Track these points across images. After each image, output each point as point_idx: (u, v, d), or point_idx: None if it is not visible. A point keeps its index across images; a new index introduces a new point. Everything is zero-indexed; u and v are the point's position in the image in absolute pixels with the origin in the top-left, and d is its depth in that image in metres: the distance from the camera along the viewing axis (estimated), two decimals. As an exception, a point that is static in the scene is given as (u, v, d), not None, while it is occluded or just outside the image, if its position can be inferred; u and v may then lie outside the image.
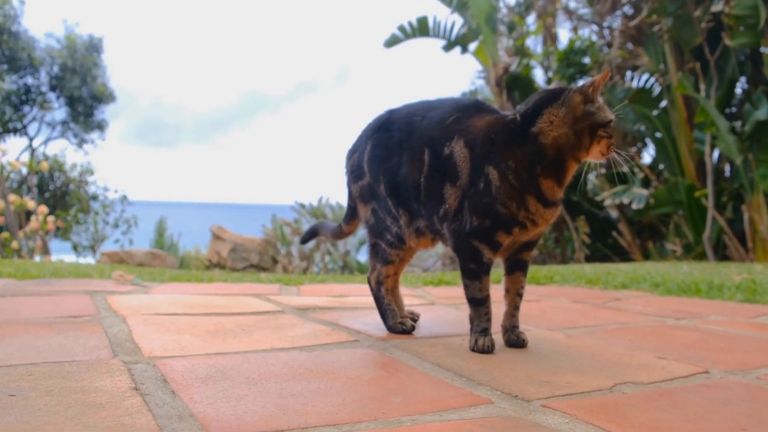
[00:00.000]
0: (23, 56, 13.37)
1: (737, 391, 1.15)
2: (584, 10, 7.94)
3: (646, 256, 6.97)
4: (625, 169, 6.32)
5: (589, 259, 7.27)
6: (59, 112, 14.43)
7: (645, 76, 7.13)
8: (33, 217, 7.16)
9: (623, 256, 7.27)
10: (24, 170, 10.48)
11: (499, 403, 1.03)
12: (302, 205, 8.63)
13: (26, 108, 14.10)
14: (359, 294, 2.27)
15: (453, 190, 1.37)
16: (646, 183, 6.90)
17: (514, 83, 7.96)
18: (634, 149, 7.36)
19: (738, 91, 6.70)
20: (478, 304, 1.39)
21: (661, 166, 7.17)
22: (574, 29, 8.08)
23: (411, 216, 1.49)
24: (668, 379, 1.21)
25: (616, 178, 6.88)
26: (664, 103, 6.84)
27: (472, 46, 8.53)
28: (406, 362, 1.28)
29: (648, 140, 7.28)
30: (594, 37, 7.73)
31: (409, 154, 1.46)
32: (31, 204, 7.25)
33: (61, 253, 10.45)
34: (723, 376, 1.24)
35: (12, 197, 7.04)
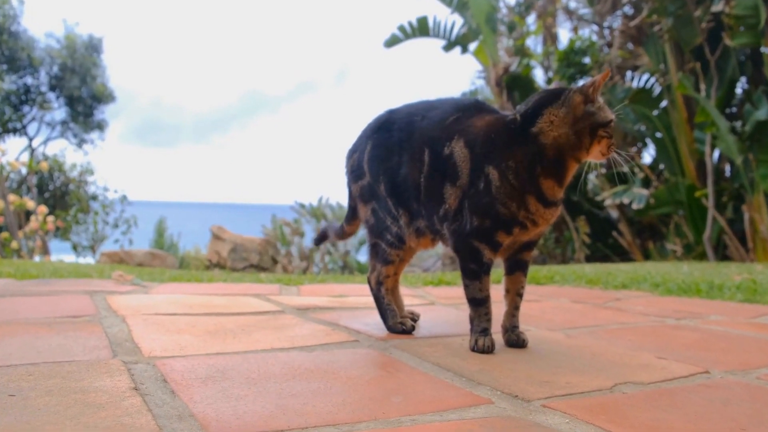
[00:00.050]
0: (23, 56, 13.37)
1: (737, 391, 1.15)
2: (584, 10, 7.94)
3: (647, 256, 6.97)
4: (626, 169, 6.32)
5: (589, 259, 7.27)
6: (59, 112, 14.45)
7: (645, 76, 7.13)
8: (32, 217, 7.16)
9: (623, 256, 7.27)
10: (23, 170, 10.48)
11: (499, 403, 1.03)
12: (302, 205, 8.63)
13: (26, 108, 14.10)
14: (359, 294, 2.27)
15: (453, 190, 1.37)
16: (646, 183, 6.90)
17: (514, 83, 7.96)
18: (634, 149, 7.36)
19: (738, 91, 6.70)
20: (479, 304, 1.39)
21: (662, 166, 7.17)
22: (575, 29, 8.08)
23: (411, 216, 1.49)
24: (668, 379, 1.20)
25: (616, 178, 6.88)
26: (664, 103, 6.84)
27: (472, 46, 8.53)
28: (406, 362, 1.28)
29: (648, 140, 7.28)
30: (594, 37, 7.73)
31: (409, 154, 1.45)
32: (30, 204, 7.25)
33: (61, 253, 10.44)
34: (723, 376, 1.24)
35: (12, 197, 7.04)
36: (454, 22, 8.50)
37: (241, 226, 9.01)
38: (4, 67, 13.35)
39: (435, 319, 1.80)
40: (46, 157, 12.83)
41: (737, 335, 1.68)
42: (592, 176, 6.99)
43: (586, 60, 7.23)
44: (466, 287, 1.39)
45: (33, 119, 14.30)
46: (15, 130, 13.99)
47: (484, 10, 7.92)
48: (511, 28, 8.37)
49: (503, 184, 1.31)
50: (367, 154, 1.54)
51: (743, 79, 6.62)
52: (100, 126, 14.72)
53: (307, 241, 8.15)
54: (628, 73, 7.38)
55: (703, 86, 6.21)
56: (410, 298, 2.20)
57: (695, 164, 6.53)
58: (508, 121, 1.36)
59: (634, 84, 7.26)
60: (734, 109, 6.81)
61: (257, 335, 1.48)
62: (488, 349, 1.36)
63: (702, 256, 6.17)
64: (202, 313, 1.76)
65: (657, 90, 6.88)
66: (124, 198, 12.39)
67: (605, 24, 7.67)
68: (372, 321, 1.69)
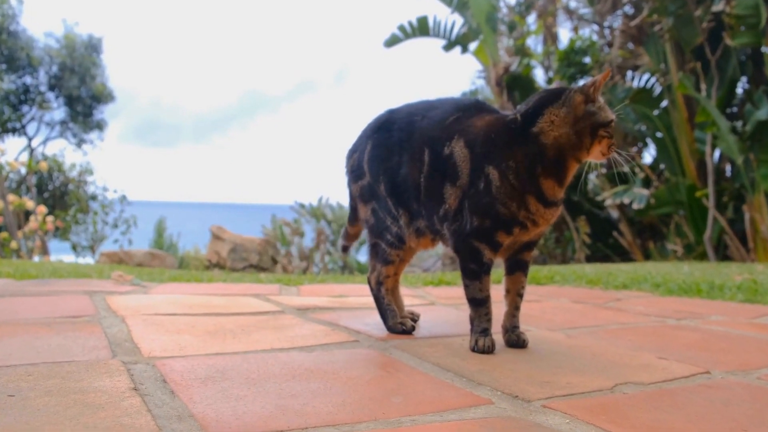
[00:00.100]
0: (22, 56, 13.36)
1: (738, 391, 1.14)
2: (585, 10, 7.94)
3: (647, 256, 6.97)
4: (626, 169, 6.31)
5: (589, 259, 7.27)
6: (58, 111, 14.43)
7: (646, 76, 7.13)
8: (32, 217, 7.16)
9: (624, 256, 7.26)
10: (23, 170, 10.47)
11: (499, 403, 1.03)
12: (302, 205, 8.63)
13: (25, 108, 14.09)
14: (359, 294, 2.27)
15: (453, 190, 1.37)
16: (646, 183, 6.90)
17: (515, 83, 7.95)
18: (634, 149, 7.35)
19: (739, 90, 6.70)
20: (479, 304, 1.39)
21: (662, 166, 7.17)
22: (575, 29, 8.08)
23: (411, 216, 1.49)
24: (669, 380, 1.20)
25: (616, 178, 6.88)
26: (664, 103, 6.84)
27: (473, 45, 8.53)
28: (406, 362, 1.27)
29: (649, 140, 7.28)
30: (595, 37, 7.73)
31: (409, 154, 1.45)
32: (30, 204, 7.25)
33: (60, 253, 10.44)
34: (724, 377, 1.24)
35: (11, 197, 7.04)
36: (454, 21, 8.51)
37: (240, 226, 9.00)
38: (3, 66, 13.34)
39: (435, 320, 1.80)
40: (45, 157, 12.83)
41: (738, 335, 1.67)
42: (592, 176, 6.99)
43: (587, 60, 7.23)
44: (466, 287, 1.39)
45: (32, 119, 14.29)
46: (14, 130, 13.98)
47: (484, 9, 7.92)
48: (512, 27, 8.37)
49: (503, 184, 1.30)
50: (367, 154, 1.54)
51: (744, 79, 6.62)
52: (100, 126, 14.71)
53: (307, 241, 8.15)
54: (629, 73, 7.38)
55: (703, 86, 6.21)
56: (410, 298, 2.20)
57: (696, 164, 6.53)
58: (508, 121, 1.36)
59: (635, 84, 7.26)
60: (735, 109, 6.81)
61: (257, 335, 1.48)
62: (488, 350, 1.36)
63: (702, 256, 6.17)
64: (202, 313, 1.76)
65: (657, 90, 6.88)
66: (123, 198, 12.39)
67: (606, 24, 7.67)
68: (372, 321, 1.69)
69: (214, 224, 7.69)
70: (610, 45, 7.48)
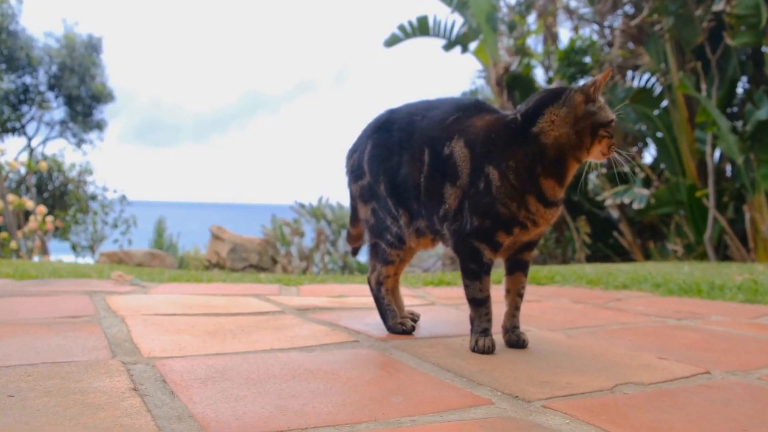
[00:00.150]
0: (21, 55, 13.35)
1: (738, 391, 1.14)
2: (585, 10, 7.94)
3: (647, 257, 6.97)
4: (626, 169, 6.31)
5: (589, 259, 7.27)
6: (58, 111, 14.42)
7: (646, 76, 7.13)
8: (32, 217, 7.16)
9: (624, 256, 7.26)
10: (22, 170, 10.47)
11: (499, 403, 1.03)
12: (302, 205, 8.63)
13: (25, 107, 14.08)
14: (359, 294, 2.27)
15: (453, 190, 1.37)
16: (647, 183, 6.90)
17: (515, 83, 7.95)
18: (635, 149, 7.35)
19: (739, 90, 6.70)
20: (479, 304, 1.39)
21: (662, 166, 7.17)
22: (575, 28, 8.08)
23: (411, 216, 1.49)
24: (669, 380, 1.20)
25: (617, 178, 6.87)
26: (665, 103, 6.84)
27: (473, 45, 8.53)
28: (406, 363, 1.27)
29: (649, 140, 7.28)
30: (595, 37, 7.73)
31: (410, 154, 1.45)
32: (29, 204, 7.24)
33: (60, 253, 10.43)
34: (724, 377, 1.24)
35: (10, 197, 7.03)
36: (455, 21, 8.51)
37: (240, 226, 9.00)
38: (3, 66, 13.34)
39: (435, 320, 1.80)
40: (45, 157, 12.82)
41: (738, 336, 1.67)
42: (592, 176, 6.99)
43: (587, 59, 7.23)
44: (466, 287, 1.39)
45: (32, 119, 14.29)
46: (14, 130, 13.97)
47: (484, 9, 7.92)
48: (512, 27, 8.36)
49: (503, 184, 1.30)
50: (367, 154, 1.54)
51: (744, 79, 6.62)
52: (99, 126, 14.71)
53: (307, 241, 8.15)
54: (629, 73, 7.38)
55: (704, 86, 6.21)
56: (410, 298, 2.20)
57: (696, 164, 6.53)
58: (508, 120, 1.36)
59: (635, 83, 7.26)
60: (735, 109, 6.81)
61: (257, 335, 1.48)
62: (489, 350, 1.36)
63: (703, 257, 6.17)
64: (202, 313, 1.76)
65: (658, 89, 6.88)
66: (123, 198, 12.39)
67: (606, 23, 7.66)
68: (372, 321, 1.69)
69: (213, 224, 7.69)
70: (610, 45, 7.48)
